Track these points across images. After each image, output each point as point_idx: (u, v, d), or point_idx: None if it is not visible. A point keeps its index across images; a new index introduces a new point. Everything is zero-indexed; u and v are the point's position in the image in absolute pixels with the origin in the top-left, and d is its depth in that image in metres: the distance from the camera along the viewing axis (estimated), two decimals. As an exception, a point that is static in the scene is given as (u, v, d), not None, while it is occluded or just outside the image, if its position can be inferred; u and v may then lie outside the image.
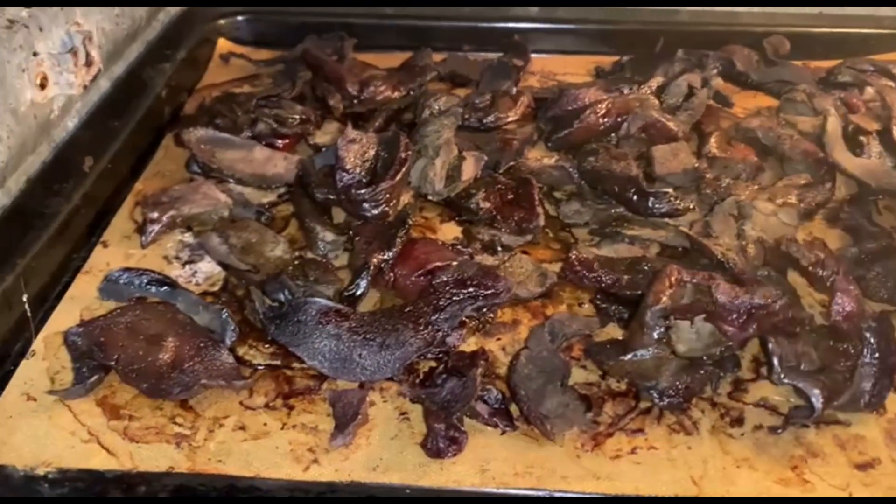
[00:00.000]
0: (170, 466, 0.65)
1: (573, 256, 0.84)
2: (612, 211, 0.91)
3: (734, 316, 0.68)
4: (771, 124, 1.02)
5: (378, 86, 1.12)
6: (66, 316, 0.80)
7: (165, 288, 0.81)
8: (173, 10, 1.27)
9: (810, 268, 0.73)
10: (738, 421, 0.70)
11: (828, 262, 0.72)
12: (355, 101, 1.12)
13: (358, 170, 0.90)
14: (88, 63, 0.94)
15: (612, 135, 1.02)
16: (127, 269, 0.82)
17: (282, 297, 0.78)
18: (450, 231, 0.93)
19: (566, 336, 0.76)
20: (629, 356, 0.68)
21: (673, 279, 0.69)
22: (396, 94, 1.13)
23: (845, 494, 0.64)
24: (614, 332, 0.79)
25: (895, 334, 0.67)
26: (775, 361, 0.67)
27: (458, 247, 0.87)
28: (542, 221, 0.90)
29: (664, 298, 0.68)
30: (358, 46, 1.24)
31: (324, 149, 1.00)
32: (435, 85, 1.18)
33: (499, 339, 0.79)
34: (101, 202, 0.95)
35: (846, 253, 0.80)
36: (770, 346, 0.67)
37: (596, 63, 1.24)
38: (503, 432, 0.69)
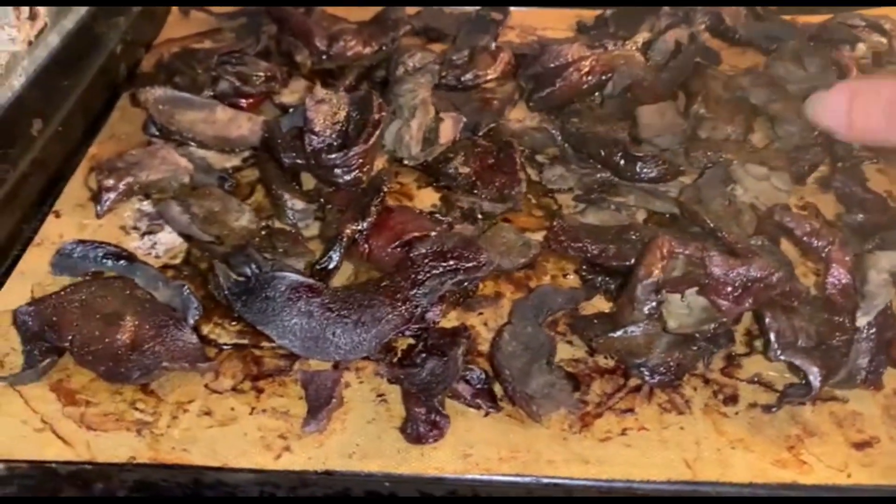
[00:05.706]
0: (130, 456, 0.61)
1: (557, 226, 0.79)
2: (598, 176, 0.87)
3: (729, 289, 0.64)
4: (761, 83, 0.98)
5: (348, 40, 1.06)
6: (15, 293, 0.74)
7: (123, 262, 0.76)
8: (128, -40, 1.18)
9: (804, 238, 0.69)
10: (732, 399, 0.67)
11: (822, 232, 0.68)
12: (324, 57, 1.05)
13: (328, 132, 0.84)
14: (32, 17, 0.86)
15: (596, 94, 0.97)
16: (81, 242, 0.77)
17: (248, 271, 0.72)
18: (427, 197, 0.88)
19: (551, 310, 0.72)
20: (619, 332, 0.64)
21: (664, 251, 0.65)
22: (368, 50, 1.06)
23: (844, 475, 0.61)
24: (600, 304, 0.75)
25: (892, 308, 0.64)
26: (772, 337, 0.63)
27: (437, 215, 0.83)
28: (523, 188, 0.86)
29: (656, 271, 0.64)
30: (326, -2, 1.17)
31: (291, 109, 0.93)
32: (409, 40, 1.11)
33: (481, 314, 0.74)
34: (53, 168, 0.88)
35: (842, 222, 0.77)
36: (767, 321, 0.64)
37: (578, 17, 1.18)
38: (486, 414, 0.65)
